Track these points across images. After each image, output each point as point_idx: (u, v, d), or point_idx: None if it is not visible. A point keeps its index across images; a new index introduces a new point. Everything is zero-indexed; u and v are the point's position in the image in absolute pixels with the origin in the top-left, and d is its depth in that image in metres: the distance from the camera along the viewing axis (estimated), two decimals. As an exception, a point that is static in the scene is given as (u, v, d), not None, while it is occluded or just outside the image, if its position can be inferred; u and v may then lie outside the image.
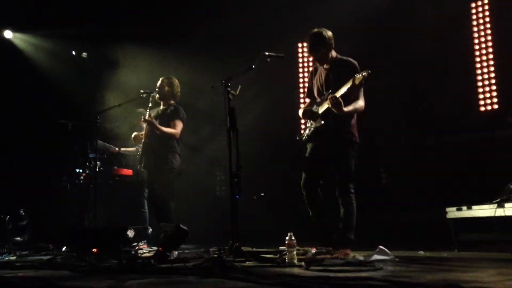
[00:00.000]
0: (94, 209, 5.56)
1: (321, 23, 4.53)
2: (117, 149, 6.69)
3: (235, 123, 4.26)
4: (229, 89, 4.38)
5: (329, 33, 4.35)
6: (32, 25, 7.83)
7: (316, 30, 4.37)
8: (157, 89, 5.55)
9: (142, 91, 5.61)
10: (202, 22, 7.41)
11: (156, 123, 5.37)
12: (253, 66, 4.47)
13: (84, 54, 7.75)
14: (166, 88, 5.56)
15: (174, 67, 6.79)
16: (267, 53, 4.45)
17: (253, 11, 7.05)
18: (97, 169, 5.95)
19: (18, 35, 8.09)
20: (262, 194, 7.42)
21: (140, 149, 6.60)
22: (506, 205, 4.38)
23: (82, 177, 6.50)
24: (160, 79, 5.62)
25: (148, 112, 5.43)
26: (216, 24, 7.33)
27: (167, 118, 5.48)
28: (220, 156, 7.45)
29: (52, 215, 6.78)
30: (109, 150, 6.62)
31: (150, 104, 5.47)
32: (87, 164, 6.25)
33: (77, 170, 6.60)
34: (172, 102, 5.60)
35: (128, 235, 4.38)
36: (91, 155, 6.15)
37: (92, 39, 7.79)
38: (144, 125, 6.61)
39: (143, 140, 5.54)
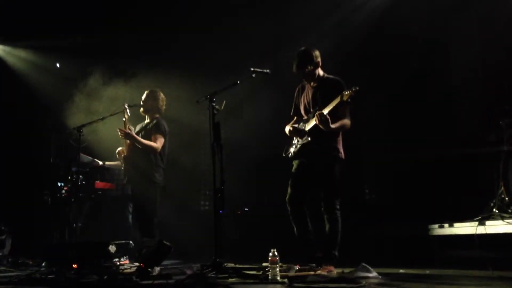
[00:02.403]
0: (75, 223, 5.49)
1: (307, 41, 4.59)
2: (100, 162, 6.63)
3: (220, 138, 4.25)
4: (213, 104, 4.38)
5: (316, 52, 4.42)
6: (15, 36, 7.78)
7: (303, 48, 4.43)
8: (141, 103, 5.52)
9: (126, 104, 5.59)
10: (193, 39, 7.43)
11: (134, 134, 5.33)
12: (238, 82, 4.50)
13: (58, 65, 7.72)
14: (150, 102, 5.53)
15: (163, 81, 6.78)
16: (252, 69, 4.48)
17: (239, 29, 7.11)
18: (79, 183, 5.89)
19: (1, 46, 8.03)
20: (246, 209, 7.39)
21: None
22: (487, 222, 4.43)
23: (63, 191, 6.41)
24: (145, 92, 5.60)
25: (126, 124, 5.35)
26: (205, 41, 7.37)
27: (149, 132, 5.45)
28: (204, 171, 7.42)
29: (32, 229, 6.68)
30: (92, 164, 6.55)
31: (126, 117, 5.37)
32: (69, 177, 6.18)
33: (59, 184, 6.51)
34: (157, 115, 5.57)
35: (109, 250, 4.33)
36: (73, 169, 6.08)
37: (76, 51, 7.75)
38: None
39: (124, 154, 5.49)
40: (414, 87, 6.53)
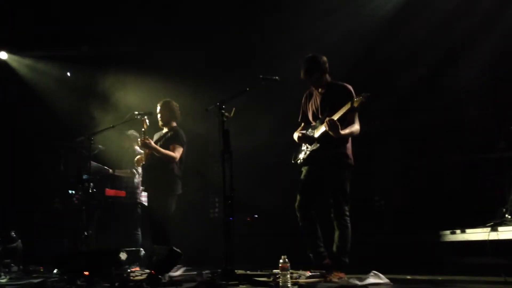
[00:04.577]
0: (86, 231, 5.51)
1: (314, 49, 4.60)
2: (110, 170, 6.67)
3: (229, 146, 4.26)
4: (223, 111, 4.39)
5: (324, 58, 4.42)
6: (27, 46, 7.87)
7: (310, 54, 4.44)
8: (158, 116, 5.56)
9: (136, 112, 5.62)
10: (197, 47, 7.47)
11: (154, 144, 5.37)
12: (247, 89, 4.51)
13: (68, 73, 7.79)
14: (167, 114, 5.57)
15: (170, 90, 6.82)
16: (261, 76, 4.50)
17: (247, 37, 7.15)
18: (90, 191, 5.92)
19: (13, 56, 8.12)
20: (256, 216, 7.39)
21: (134, 171, 6.63)
22: (500, 228, 4.39)
23: (74, 199, 6.45)
24: (159, 105, 5.61)
25: (143, 134, 5.38)
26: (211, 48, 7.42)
27: (167, 142, 5.48)
28: (213, 179, 7.43)
29: (44, 237, 6.71)
30: (102, 172, 6.59)
31: (145, 127, 5.41)
32: (80, 185, 6.21)
33: (70, 192, 6.55)
34: (174, 125, 5.61)
35: (120, 257, 4.34)
36: (84, 177, 6.11)
37: (86, 61, 7.84)
38: (136, 146, 6.64)
39: (143, 163, 5.54)
40: (423, 93, 6.52)
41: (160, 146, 5.43)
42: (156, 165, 5.40)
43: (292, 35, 6.92)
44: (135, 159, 5.72)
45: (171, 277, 4.24)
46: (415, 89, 6.53)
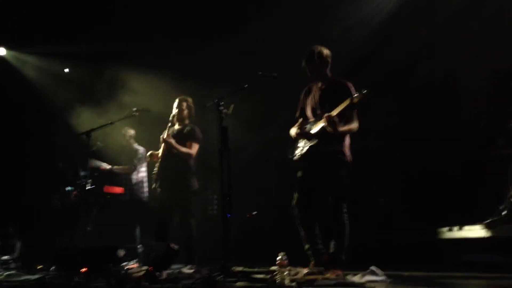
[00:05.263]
0: (84, 227, 5.51)
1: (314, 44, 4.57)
2: (108, 166, 6.67)
3: (227, 143, 4.25)
4: (221, 108, 4.38)
5: (327, 51, 4.39)
6: (26, 42, 7.85)
7: (314, 46, 4.41)
8: (175, 112, 5.56)
9: (134, 109, 5.62)
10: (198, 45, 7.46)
11: (175, 143, 5.42)
12: (246, 86, 4.50)
13: (66, 70, 7.78)
14: (186, 110, 5.61)
15: (169, 86, 6.81)
16: (260, 73, 4.48)
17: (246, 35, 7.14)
18: (88, 187, 5.92)
19: (11, 52, 8.11)
20: (255, 212, 7.40)
21: (133, 167, 6.63)
22: (497, 226, 4.40)
23: (72, 195, 6.45)
24: (177, 100, 5.62)
25: (166, 131, 5.46)
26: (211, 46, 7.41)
27: (183, 138, 5.51)
28: (210, 175, 7.43)
29: (42, 234, 6.71)
30: (100, 168, 6.59)
31: (170, 124, 5.49)
32: (78, 182, 6.21)
33: (68, 188, 6.55)
34: (187, 122, 5.64)
35: (118, 254, 4.34)
36: (82, 173, 6.11)
37: (85, 57, 7.82)
38: (135, 144, 6.65)
39: (160, 160, 5.54)
40: (422, 92, 6.51)
41: (176, 142, 5.46)
42: (174, 163, 5.45)
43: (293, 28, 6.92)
44: (148, 154, 5.72)
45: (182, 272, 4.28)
46: (415, 86, 6.53)
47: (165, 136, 5.44)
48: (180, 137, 5.53)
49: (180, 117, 5.59)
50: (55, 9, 7.49)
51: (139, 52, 7.68)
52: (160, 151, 5.55)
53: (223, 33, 7.37)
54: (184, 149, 5.44)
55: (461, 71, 6.26)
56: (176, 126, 5.64)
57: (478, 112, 6.22)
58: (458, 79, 6.39)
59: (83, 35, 7.70)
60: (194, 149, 5.50)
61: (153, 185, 5.60)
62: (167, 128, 5.49)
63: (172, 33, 7.48)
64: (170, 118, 5.52)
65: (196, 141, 5.51)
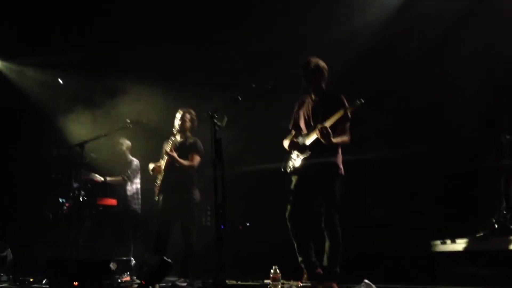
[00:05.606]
0: (76, 240, 5.48)
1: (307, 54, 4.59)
2: (102, 178, 6.64)
3: (221, 155, 4.25)
4: (215, 120, 4.39)
5: (324, 64, 4.43)
6: (19, 53, 7.84)
7: (315, 59, 4.43)
8: (177, 123, 5.58)
9: (128, 120, 5.62)
10: (193, 56, 7.47)
11: (178, 158, 5.44)
12: (239, 98, 4.51)
13: (60, 80, 7.78)
14: (189, 123, 5.64)
15: (164, 98, 6.82)
16: (254, 85, 4.49)
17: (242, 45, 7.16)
18: (81, 199, 5.89)
19: (5, 63, 8.09)
20: (248, 224, 7.37)
21: (126, 178, 6.61)
22: (489, 239, 4.41)
23: (65, 207, 6.41)
24: (180, 112, 5.64)
25: (170, 144, 5.48)
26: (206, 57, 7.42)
27: (185, 151, 5.55)
28: (204, 187, 7.42)
29: (34, 246, 6.65)
30: (93, 180, 6.55)
31: (173, 138, 5.51)
32: (71, 194, 6.18)
33: (60, 200, 6.51)
34: (189, 134, 5.67)
35: (110, 267, 4.32)
36: (75, 185, 6.08)
37: (80, 68, 7.81)
38: (129, 155, 6.64)
39: (162, 173, 5.56)
40: (415, 102, 6.55)
41: (178, 154, 5.48)
42: (178, 175, 5.48)
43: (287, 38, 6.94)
44: (151, 167, 5.70)
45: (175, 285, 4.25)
46: (407, 96, 6.56)
47: (168, 150, 5.46)
48: (183, 149, 5.57)
49: (182, 129, 5.61)
50: (48, 19, 7.50)
51: (134, 63, 7.67)
52: (163, 164, 5.57)
53: (217, 46, 7.38)
54: (186, 163, 5.49)
55: (453, 84, 6.29)
56: (178, 138, 5.65)
57: (470, 125, 6.26)
58: (450, 93, 6.43)
59: (78, 46, 7.69)
60: (196, 161, 5.55)
61: (156, 198, 5.60)
62: (170, 141, 5.50)
63: (168, 45, 7.49)
64: (174, 131, 5.55)
65: (198, 153, 5.57)
